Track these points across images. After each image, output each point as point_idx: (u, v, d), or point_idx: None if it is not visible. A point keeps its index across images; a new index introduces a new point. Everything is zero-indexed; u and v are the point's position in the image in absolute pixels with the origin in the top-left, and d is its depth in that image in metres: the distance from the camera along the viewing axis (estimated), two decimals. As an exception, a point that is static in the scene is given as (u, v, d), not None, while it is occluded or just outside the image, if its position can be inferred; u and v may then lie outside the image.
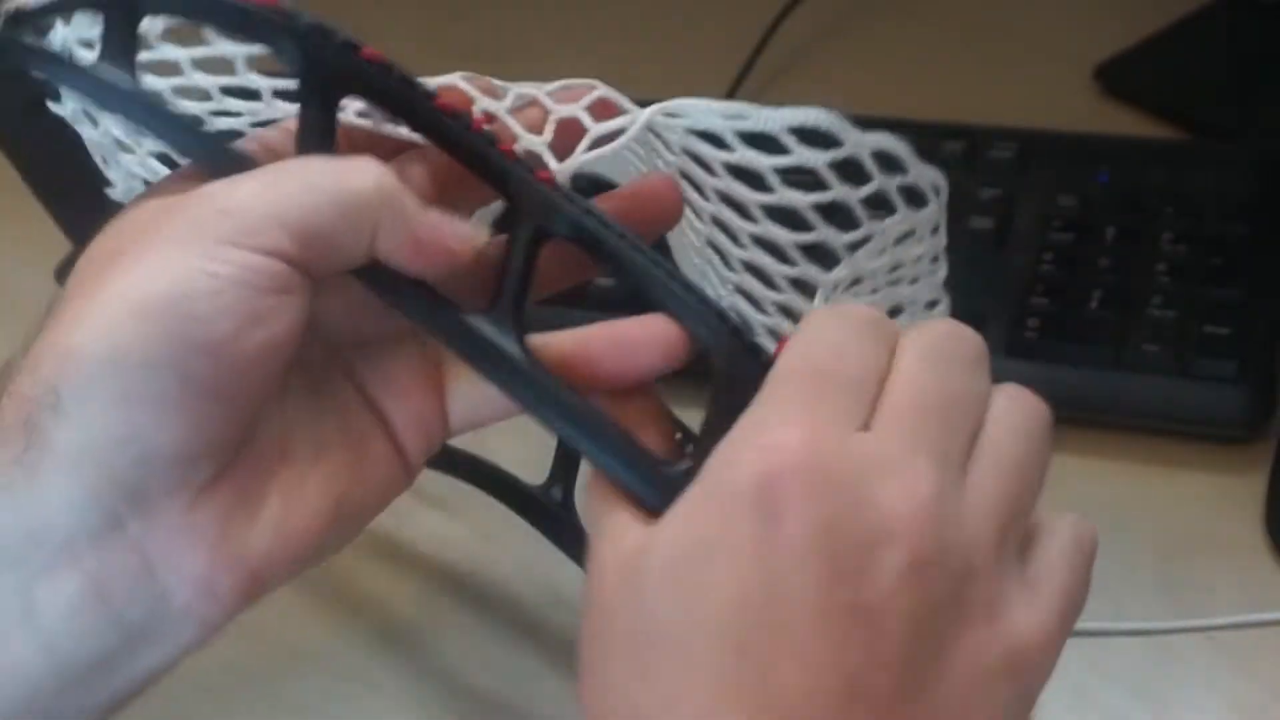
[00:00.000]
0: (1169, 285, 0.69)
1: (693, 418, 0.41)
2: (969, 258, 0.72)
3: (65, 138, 0.49)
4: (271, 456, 0.42)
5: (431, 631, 0.60)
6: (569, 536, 0.53)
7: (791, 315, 0.50)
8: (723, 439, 0.37)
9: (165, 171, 0.47)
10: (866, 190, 0.46)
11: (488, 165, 0.43)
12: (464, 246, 0.42)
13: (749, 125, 0.45)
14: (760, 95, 0.89)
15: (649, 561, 0.37)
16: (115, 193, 0.50)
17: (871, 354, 0.38)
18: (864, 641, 0.34)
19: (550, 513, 0.53)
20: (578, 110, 0.45)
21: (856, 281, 0.49)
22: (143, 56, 0.44)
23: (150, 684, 0.41)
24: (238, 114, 0.45)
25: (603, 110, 0.45)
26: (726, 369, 0.40)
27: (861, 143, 0.45)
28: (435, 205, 0.42)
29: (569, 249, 0.43)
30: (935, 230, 0.49)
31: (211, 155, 0.42)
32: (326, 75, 0.42)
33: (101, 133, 0.48)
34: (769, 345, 0.40)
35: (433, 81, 0.44)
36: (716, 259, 0.51)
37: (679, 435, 0.42)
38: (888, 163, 0.45)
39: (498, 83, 0.46)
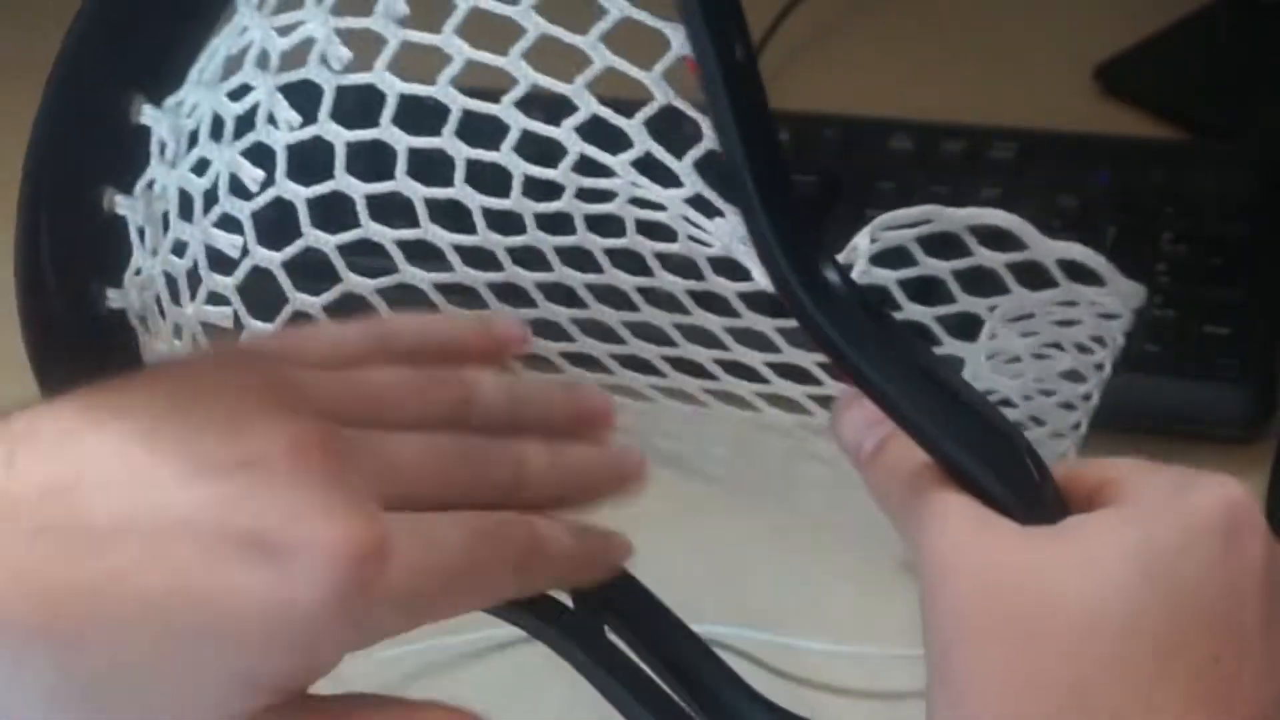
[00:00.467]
0: (1169, 285, 0.69)
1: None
2: (969, 258, 0.73)
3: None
4: None
5: None
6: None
7: None
8: (1148, 475, 0.42)
9: (230, 242, 0.45)
10: (1050, 295, 0.48)
11: None
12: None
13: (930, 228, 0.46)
14: (760, 95, 0.89)
15: (1081, 560, 0.39)
16: (121, 297, 0.47)
17: None
18: None
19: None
20: None
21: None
22: None
23: None
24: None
25: None
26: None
27: (1050, 250, 0.45)
28: None
29: None
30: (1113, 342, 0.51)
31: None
32: None
33: (157, 198, 0.46)
34: None
35: None
36: None
37: None
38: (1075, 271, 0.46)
39: None
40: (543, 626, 0.46)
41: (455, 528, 0.41)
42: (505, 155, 0.45)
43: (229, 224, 0.45)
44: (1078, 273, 0.46)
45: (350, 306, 0.47)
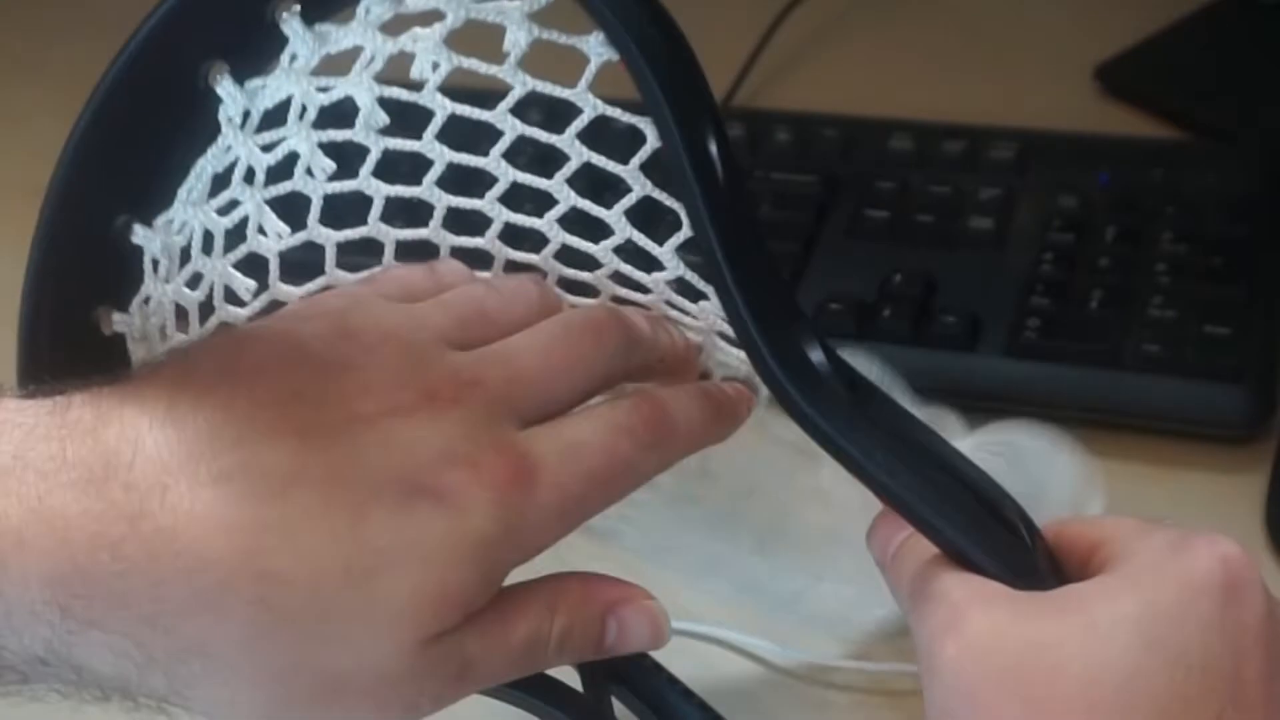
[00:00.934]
0: (1169, 285, 0.69)
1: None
2: (969, 258, 0.73)
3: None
4: None
5: None
6: None
7: None
8: (1142, 537, 0.42)
9: (247, 286, 0.46)
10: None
11: None
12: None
13: None
14: (760, 95, 0.89)
15: (1080, 620, 0.40)
16: (123, 321, 0.48)
17: None
18: None
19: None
20: None
21: None
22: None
23: None
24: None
25: None
26: None
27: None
28: None
29: None
30: None
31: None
32: None
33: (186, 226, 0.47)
34: None
35: None
36: None
37: None
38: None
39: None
40: (552, 710, 0.47)
41: (591, 428, 0.44)
42: (489, 242, 0.49)
43: None
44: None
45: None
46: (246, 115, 0.46)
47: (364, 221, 0.47)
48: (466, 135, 0.47)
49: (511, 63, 0.45)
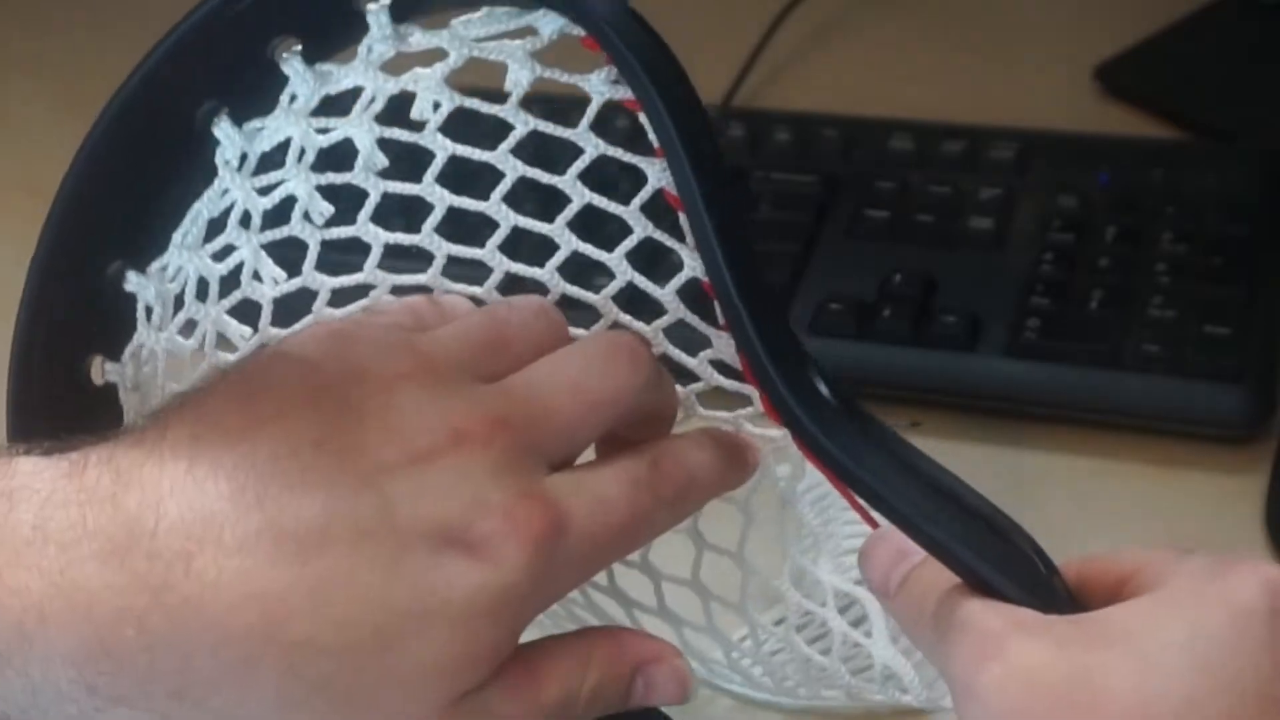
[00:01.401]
0: (1169, 285, 0.69)
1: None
2: (969, 258, 0.73)
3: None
4: None
5: None
6: None
7: None
8: (1178, 562, 0.41)
9: (242, 333, 0.46)
10: None
11: None
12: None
13: None
14: (760, 95, 0.89)
15: (1119, 647, 0.39)
16: (115, 371, 0.47)
17: None
18: None
19: None
20: None
21: None
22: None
23: None
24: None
25: None
26: None
27: None
28: None
29: None
30: None
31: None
32: None
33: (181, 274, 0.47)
34: None
35: None
36: None
37: None
38: None
39: None
40: None
41: (616, 483, 0.43)
42: (487, 293, 0.47)
43: None
44: None
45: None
46: (244, 158, 0.45)
47: (361, 263, 0.46)
48: (466, 175, 0.46)
49: (513, 102, 0.44)
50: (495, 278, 0.46)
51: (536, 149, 0.46)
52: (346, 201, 0.45)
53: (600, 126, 0.45)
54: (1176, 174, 0.75)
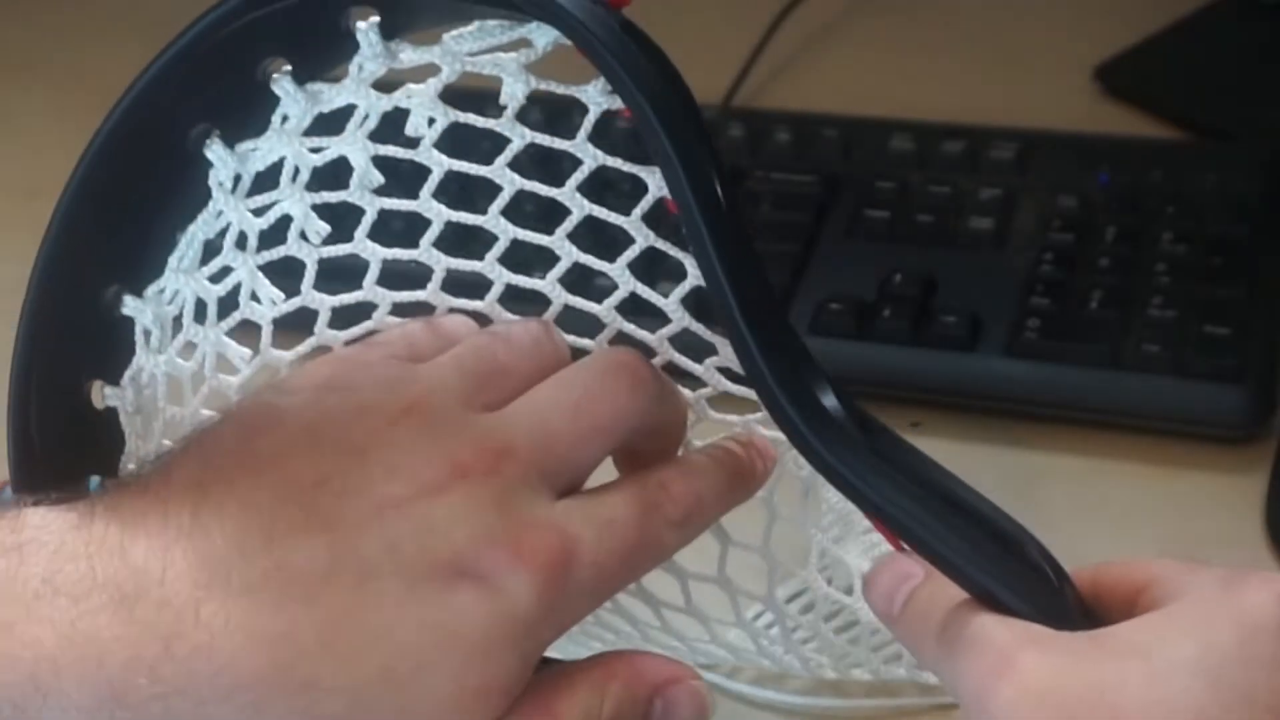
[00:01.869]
0: (1169, 285, 0.69)
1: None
2: (969, 258, 0.73)
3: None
4: None
5: None
6: None
7: None
8: (1190, 575, 0.42)
9: (241, 355, 0.46)
10: None
11: None
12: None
13: None
14: (760, 95, 0.89)
15: (1136, 662, 0.39)
16: (115, 395, 0.47)
17: None
18: None
19: None
20: None
21: None
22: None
23: None
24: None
25: None
26: None
27: None
28: None
29: None
30: None
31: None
32: None
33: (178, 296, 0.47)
34: None
35: None
36: None
37: None
38: None
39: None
40: None
41: (625, 506, 0.43)
42: (489, 306, 0.47)
43: (220, 402, 0.46)
44: None
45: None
46: (237, 179, 0.45)
47: (360, 281, 0.46)
48: (464, 188, 0.46)
49: (509, 116, 0.44)
50: (496, 291, 0.46)
51: (534, 155, 0.45)
52: (344, 220, 0.45)
53: (600, 130, 0.44)
54: (1176, 174, 0.75)
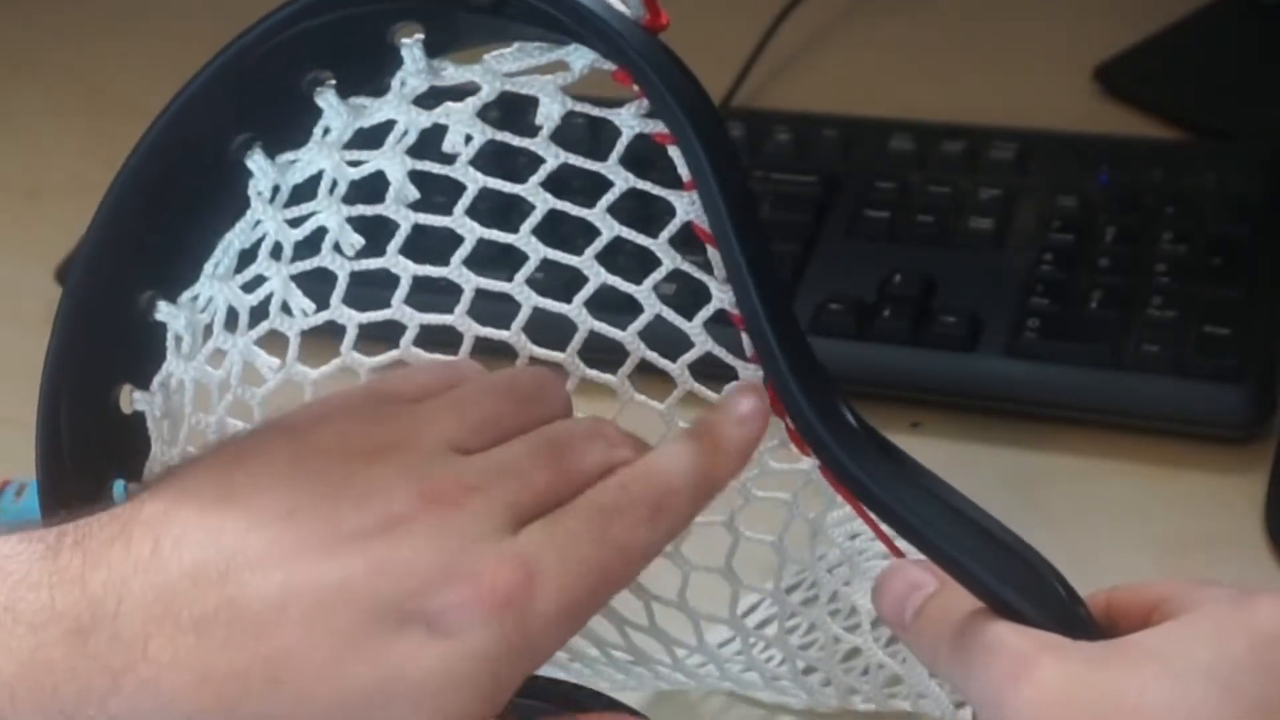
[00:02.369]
0: (1169, 285, 0.69)
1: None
2: (969, 258, 0.73)
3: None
4: None
5: None
6: None
7: None
8: (1202, 591, 0.42)
9: (270, 365, 0.46)
10: None
11: None
12: None
13: None
14: (760, 95, 0.89)
15: (1156, 670, 0.40)
16: (144, 400, 0.47)
17: None
18: None
19: None
20: None
21: None
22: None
23: None
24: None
25: None
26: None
27: None
28: None
29: None
30: None
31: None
32: None
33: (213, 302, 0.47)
34: None
35: None
36: None
37: None
38: None
39: None
40: None
41: (584, 516, 0.42)
42: (514, 335, 0.47)
43: (246, 411, 0.47)
44: None
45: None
46: (276, 189, 0.45)
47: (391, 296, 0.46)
48: (496, 207, 0.46)
49: (544, 136, 0.44)
50: (523, 314, 0.46)
51: (556, 175, 0.46)
52: (378, 233, 0.45)
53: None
54: (1176, 174, 0.75)
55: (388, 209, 0.45)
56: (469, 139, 0.44)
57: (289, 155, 0.45)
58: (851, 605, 0.53)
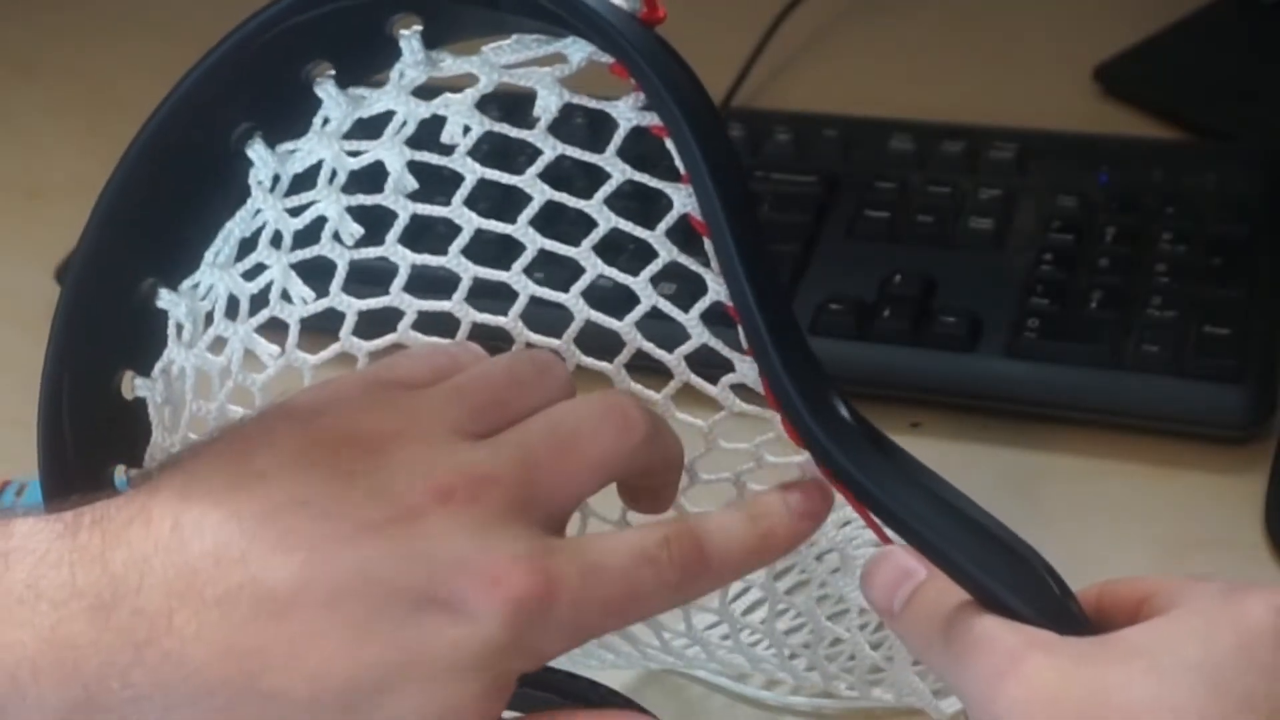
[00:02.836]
0: (1169, 285, 0.69)
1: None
2: (969, 258, 0.73)
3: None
4: None
5: None
6: None
7: None
8: (1192, 586, 0.42)
9: (270, 352, 0.46)
10: None
11: None
12: None
13: None
14: (760, 95, 0.89)
15: (1142, 666, 0.40)
16: (146, 386, 0.47)
17: None
18: None
19: None
20: None
21: None
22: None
23: None
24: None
25: None
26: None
27: None
28: None
29: None
30: None
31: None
32: None
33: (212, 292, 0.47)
34: None
35: None
36: None
37: None
38: None
39: None
40: None
41: (616, 554, 0.42)
42: (512, 321, 0.47)
43: (246, 398, 0.47)
44: None
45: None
46: (276, 179, 0.46)
47: (388, 285, 0.47)
48: (494, 197, 0.46)
49: (541, 128, 0.45)
50: (520, 304, 0.47)
51: (552, 166, 0.46)
52: (377, 223, 0.46)
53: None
54: (1176, 174, 0.75)
55: (387, 199, 0.45)
56: (467, 130, 0.45)
57: (289, 145, 0.46)
58: (840, 594, 0.53)
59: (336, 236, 0.45)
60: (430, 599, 0.40)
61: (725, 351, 0.45)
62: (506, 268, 0.46)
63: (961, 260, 0.73)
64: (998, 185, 0.75)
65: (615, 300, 0.46)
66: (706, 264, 0.44)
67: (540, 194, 0.45)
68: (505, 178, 0.45)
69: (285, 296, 0.46)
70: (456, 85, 0.45)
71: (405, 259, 0.46)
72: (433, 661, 0.40)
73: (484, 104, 0.45)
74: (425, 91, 0.45)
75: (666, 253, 0.45)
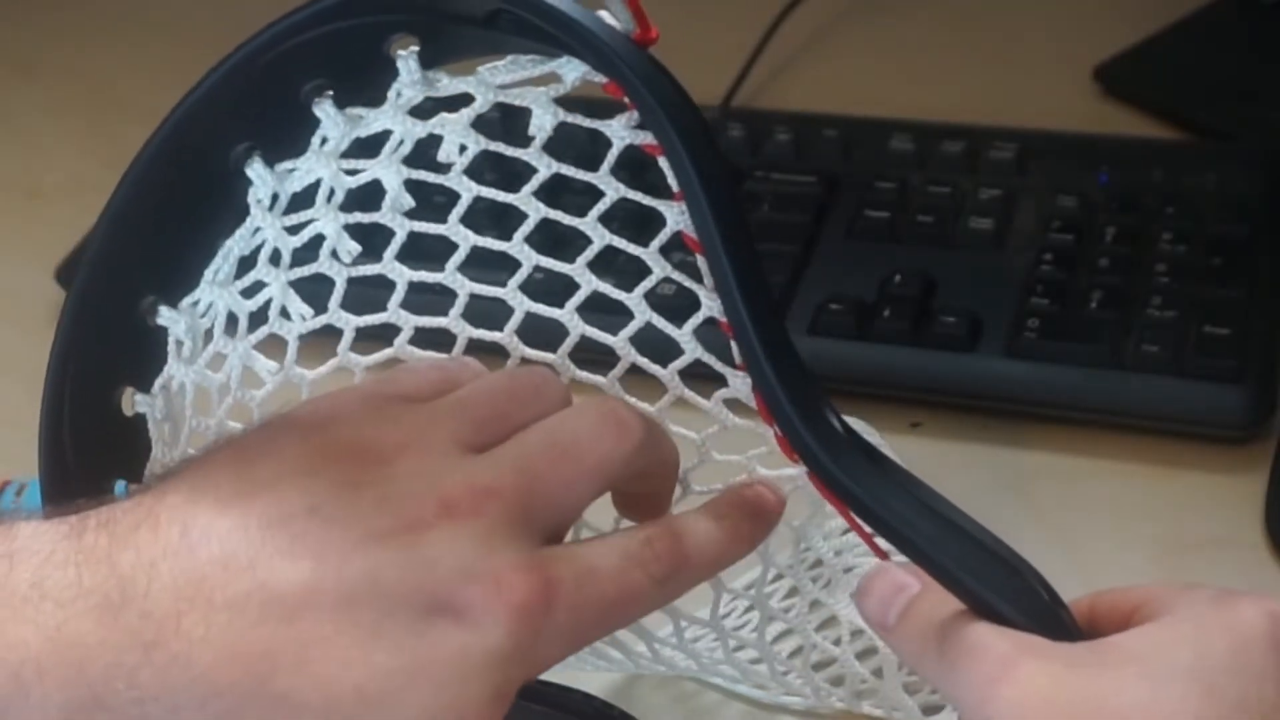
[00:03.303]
0: (1169, 285, 0.69)
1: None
2: (969, 258, 0.73)
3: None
4: None
5: None
6: None
7: None
8: (1183, 593, 0.43)
9: (269, 368, 0.47)
10: None
11: None
12: None
13: None
14: (760, 95, 0.89)
15: (1136, 672, 0.40)
16: (145, 402, 0.48)
17: None
18: None
19: None
20: None
21: None
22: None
23: None
24: None
25: None
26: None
27: None
28: None
29: None
30: None
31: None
32: None
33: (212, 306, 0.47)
34: None
35: None
36: None
37: None
38: None
39: None
40: None
41: (608, 558, 0.43)
42: (507, 337, 0.48)
43: (245, 414, 0.48)
44: None
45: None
46: (275, 197, 0.46)
47: (385, 303, 0.47)
48: (492, 214, 0.47)
49: (536, 146, 0.45)
50: (515, 320, 0.47)
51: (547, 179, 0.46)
52: (374, 241, 0.46)
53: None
54: (1176, 174, 0.75)
55: (384, 217, 0.46)
56: (463, 149, 0.45)
57: (288, 164, 0.46)
58: (831, 612, 0.54)
59: (335, 254, 0.46)
60: (437, 606, 0.40)
61: (719, 367, 0.46)
62: (503, 283, 0.47)
63: (961, 260, 0.73)
64: (998, 185, 0.75)
65: (611, 313, 0.47)
66: (700, 279, 0.44)
67: (535, 211, 0.46)
68: (501, 195, 0.46)
69: (284, 313, 0.46)
70: (454, 104, 0.45)
71: (402, 275, 0.47)
72: (441, 666, 0.40)
73: (480, 121, 0.46)
74: (422, 111, 0.46)
75: (660, 269, 0.46)
